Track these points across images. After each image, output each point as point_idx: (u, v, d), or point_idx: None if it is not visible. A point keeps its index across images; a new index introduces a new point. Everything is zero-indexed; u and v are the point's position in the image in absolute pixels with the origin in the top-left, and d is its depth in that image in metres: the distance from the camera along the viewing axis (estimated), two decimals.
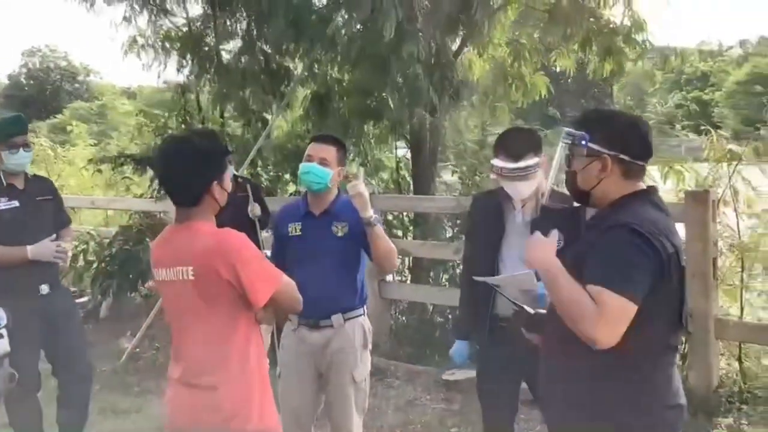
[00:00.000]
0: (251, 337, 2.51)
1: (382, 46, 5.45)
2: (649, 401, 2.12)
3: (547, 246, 2.23)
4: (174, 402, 2.54)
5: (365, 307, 3.45)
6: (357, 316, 3.40)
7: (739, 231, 5.01)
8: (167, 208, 7.47)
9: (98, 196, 9.66)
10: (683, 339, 4.72)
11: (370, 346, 3.46)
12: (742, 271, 5.00)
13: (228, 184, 2.56)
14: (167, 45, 8.50)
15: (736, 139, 5.75)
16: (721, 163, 5.16)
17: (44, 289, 3.94)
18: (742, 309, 4.99)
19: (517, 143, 3.08)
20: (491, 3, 5.82)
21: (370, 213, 3.19)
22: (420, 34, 5.77)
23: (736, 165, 5.03)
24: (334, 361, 3.34)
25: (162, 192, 7.97)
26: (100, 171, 8.62)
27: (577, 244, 2.27)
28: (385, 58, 5.60)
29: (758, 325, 4.88)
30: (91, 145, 11.44)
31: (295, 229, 3.34)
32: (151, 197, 8.14)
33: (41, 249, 3.87)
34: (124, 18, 8.29)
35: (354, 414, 3.36)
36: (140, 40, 8.52)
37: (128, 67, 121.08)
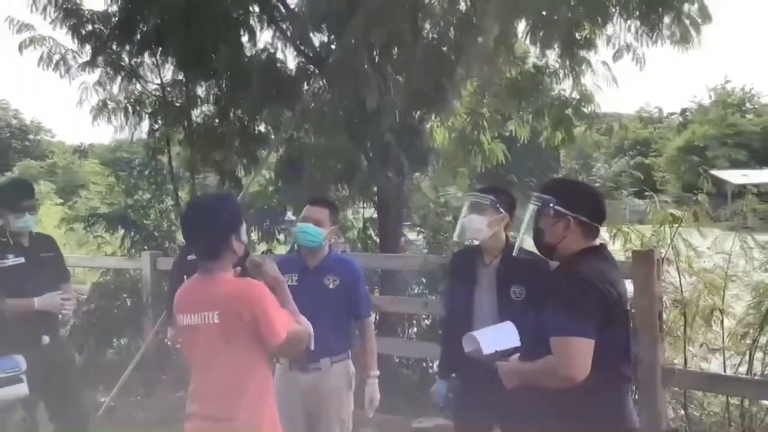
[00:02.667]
0: (266, 375, 2.88)
1: (358, 116, 5.91)
2: (610, 423, 2.51)
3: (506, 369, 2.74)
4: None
5: (350, 351, 3.81)
6: (343, 360, 3.78)
7: (681, 287, 5.50)
8: (140, 265, 7.72)
9: (70, 255, 9.79)
10: (634, 387, 5.17)
11: (353, 387, 3.81)
12: (685, 325, 5.46)
13: (245, 237, 2.93)
14: (138, 108, 8.84)
15: (678, 203, 6.27)
16: (663, 226, 5.69)
17: (45, 339, 4.19)
18: (685, 359, 5.44)
19: (484, 187, 3.77)
20: (456, 78, 6.35)
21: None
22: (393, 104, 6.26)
23: (677, 227, 5.55)
24: (323, 401, 3.70)
25: (133, 250, 8.24)
26: (72, 230, 8.82)
27: (543, 292, 2.68)
28: (360, 127, 6.07)
29: (701, 374, 5.28)
30: (59, 204, 11.61)
31: (291, 279, 3.70)
32: (123, 255, 8.37)
33: (48, 300, 4.14)
34: (99, 83, 8.64)
35: None
36: (110, 104, 8.82)
37: (79, 125, 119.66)
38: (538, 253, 2.91)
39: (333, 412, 3.73)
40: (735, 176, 36.06)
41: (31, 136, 64.95)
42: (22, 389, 3.62)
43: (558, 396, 2.50)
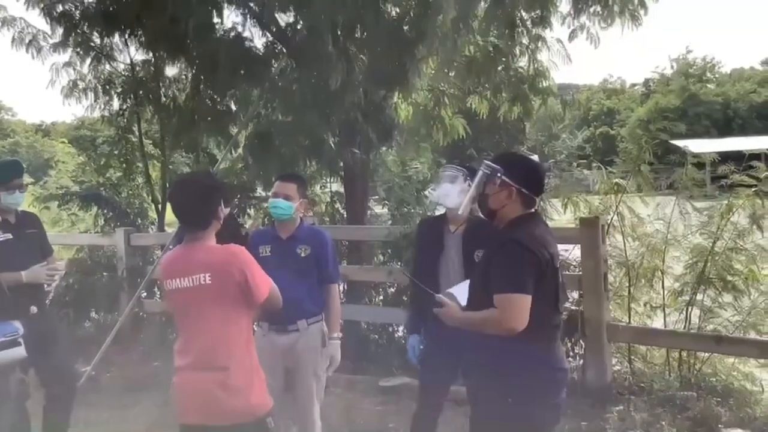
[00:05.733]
0: (249, 329, 3.23)
1: (325, 95, 6.21)
2: (541, 366, 2.91)
3: (451, 311, 3.09)
4: (186, 385, 3.14)
5: (323, 313, 4.18)
6: (317, 321, 4.16)
7: (625, 251, 5.95)
8: (114, 242, 7.99)
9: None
10: (582, 343, 5.63)
11: (326, 344, 4.19)
12: (629, 285, 5.92)
13: (227, 206, 3.27)
14: (108, 88, 9.01)
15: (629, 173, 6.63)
16: (609, 195, 6.12)
17: (33, 309, 4.48)
18: (629, 316, 5.91)
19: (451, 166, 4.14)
20: (417, 56, 6.64)
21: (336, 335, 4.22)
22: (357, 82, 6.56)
23: (621, 196, 5.98)
24: (300, 358, 4.08)
25: (107, 227, 8.51)
26: (48, 208, 9.03)
27: (486, 254, 3.06)
28: (327, 105, 6.37)
29: (643, 329, 5.76)
30: (30, 183, 11.65)
31: (265, 250, 4.05)
32: (97, 232, 8.63)
33: (34, 273, 4.43)
34: (69, 63, 8.79)
35: (315, 402, 4.11)
36: (81, 84, 8.97)
37: (39, 103, 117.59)
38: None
39: (309, 369, 4.11)
40: (700, 145, 36.84)
41: None
42: (20, 352, 3.93)
43: (502, 343, 2.87)
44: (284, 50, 7.38)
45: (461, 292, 3.39)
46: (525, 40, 7.92)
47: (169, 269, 3.20)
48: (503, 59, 7.87)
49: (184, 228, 3.23)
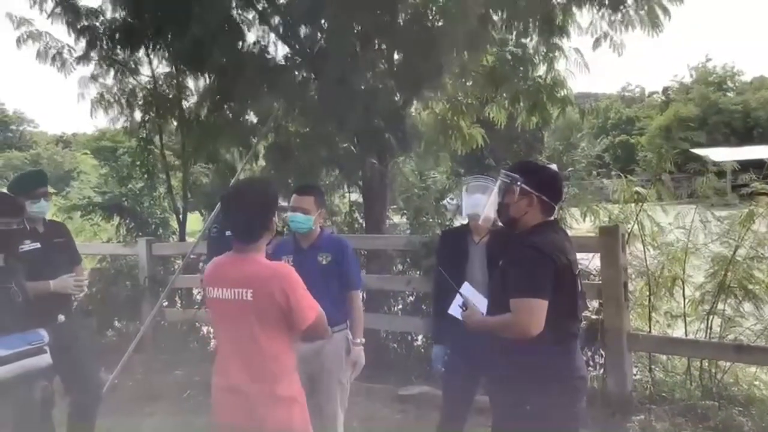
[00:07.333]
0: (292, 353, 3.08)
1: (344, 103, 6.26)
2: (561, 373, 2.93)
3: (473, 317, 3.16)
4: (223, 407, 3.03)
5: (347, 321, 4.22)
6: (342, 329, 4.17)
7: (646, 260, 5.94)
8: (137, 251, 8.08)
9: None
10: (602, 352, 5.62)
11: (351, 352, 4.21)
12: (650, 294, 5.90)
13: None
14: (131, 101, 9.13)
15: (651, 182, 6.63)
16: (629, 203, 6.12)
17: (61, 318, 4.55)
18: (650, 325, 5.88)
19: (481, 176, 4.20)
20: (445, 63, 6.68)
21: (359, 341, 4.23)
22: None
23: (642, 205, 5.98)
24: (324, 367, 4.10)
25: (129, 237, 8.60)
26: (70, 218, 9.14)
27: (504, 260, 3.09)
28: (345, 114, 6.41)
29: (664, 338, 5.73)
30: (53, 194, 11.77)
31: (287, 260, 4.07)
32: (119, 242, 8.72)
33: (62, 283, 4.50)
34: (93, 76, 8.91)
35: (339, 411, 4.13)
36: (107, 96, 9.10)
37: (60, 114, 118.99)
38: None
39: (333, 376, 4.14)
40: (720, 153, 36.59)
41: (13, 127, 64.80)
42: (46, 359, 3.98)
43: (521, 350, 2.90)
44: (304, 62, 7.46)
45: (480, 302, 3.43)
46: (543, 49, 7.94)
47: (213, 276, 3.11)
48: (521, 68, 7.88)
49: (234, 237, 3.09)
